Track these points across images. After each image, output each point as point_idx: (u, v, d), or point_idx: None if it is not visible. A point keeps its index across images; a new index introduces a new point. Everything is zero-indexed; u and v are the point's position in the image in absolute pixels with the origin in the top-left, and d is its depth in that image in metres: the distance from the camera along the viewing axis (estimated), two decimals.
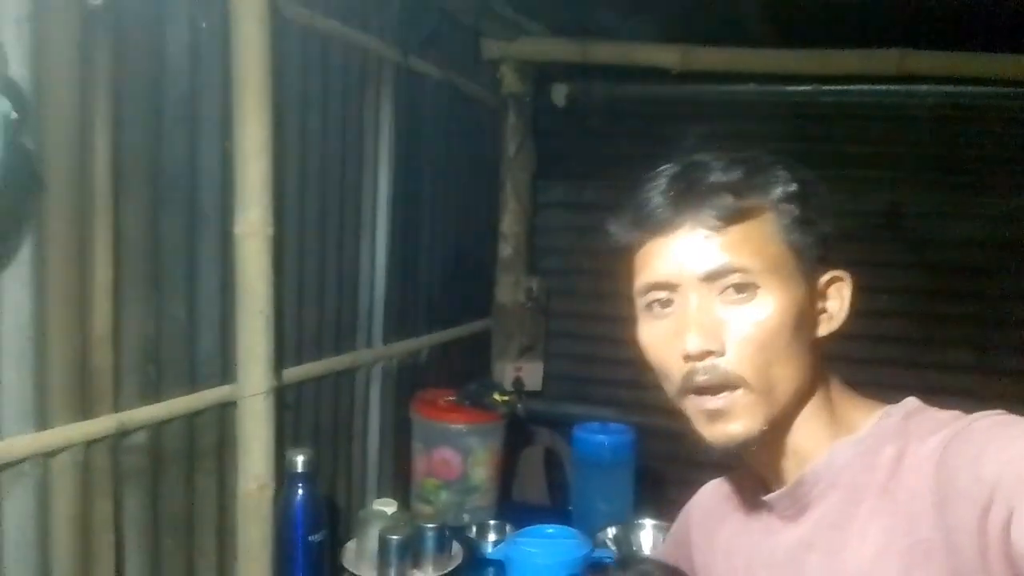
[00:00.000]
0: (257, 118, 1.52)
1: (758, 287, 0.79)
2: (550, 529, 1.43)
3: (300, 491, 1.61)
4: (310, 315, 1.85)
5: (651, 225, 0.83)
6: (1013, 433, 0.68)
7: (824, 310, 0.85)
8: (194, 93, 1.45)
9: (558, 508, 2.40)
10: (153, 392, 1.39)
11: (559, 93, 3.01)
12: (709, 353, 0.79)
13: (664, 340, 0.83)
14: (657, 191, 0.83)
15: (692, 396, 0.81)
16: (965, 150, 2.67)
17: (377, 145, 2.09)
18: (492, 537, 2.03)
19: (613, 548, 1.67)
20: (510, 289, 2.94)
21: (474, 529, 2.06)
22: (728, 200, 0.79)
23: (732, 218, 0.80)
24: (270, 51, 1.53)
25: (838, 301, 0.85)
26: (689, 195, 0.81)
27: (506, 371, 2.90)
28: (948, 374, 2.54)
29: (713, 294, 0.80)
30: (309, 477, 1.62)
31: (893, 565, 0.73)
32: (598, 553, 1.43)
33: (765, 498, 0.89)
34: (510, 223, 2.92)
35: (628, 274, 0.89)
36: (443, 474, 2.15)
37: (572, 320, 3.15)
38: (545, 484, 2.72)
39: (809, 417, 0.84)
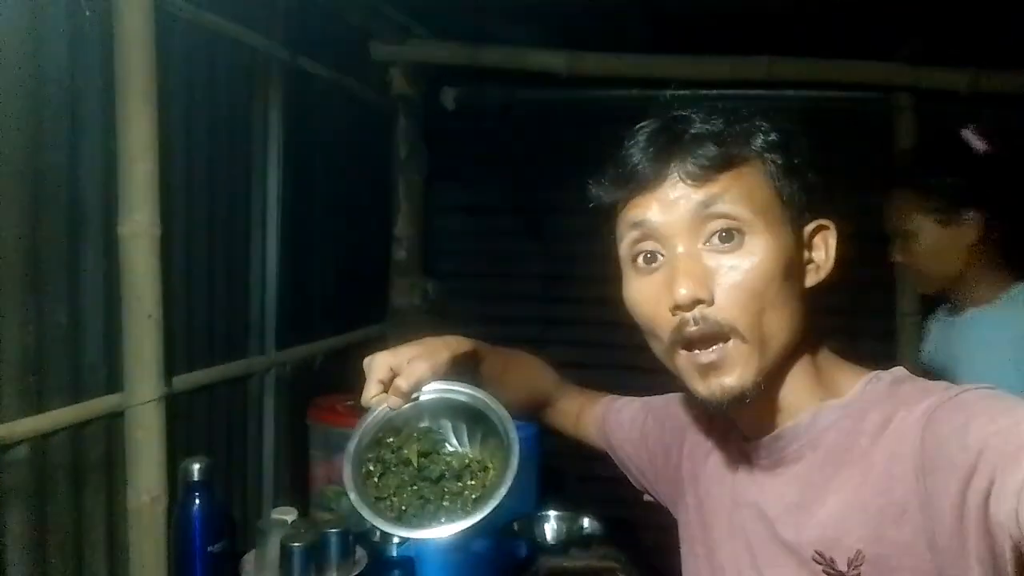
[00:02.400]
0: (142, 115, 1.46)
1: (745, 234, 0.78)
2: None
3: (197, 500, 1.55)
4: (200, 320, 1.79)
5: (634, 181, 0.81)
6: (1001, 406, 0.68)
7: (811, 260, 0.84)
8: (74, 89, 1.38)
9: None
10: (34, 403, 1.31)
11: (448, 96, 3.04)
12: (699, 302, 0.77)
13: (651, 294, 0.81)
14: (638, 147, 0.81)
15: (683, 351, 0.79)
16: (831, 152, 2.85)
17: (266, 145, 2.04)
18: (396, 540, 2.01)
19: (521, 539, 1.70)
20: (405, 292, 2.93)
21: (378, 533, 2.03)
22: (711, 149, 0.78)
23: (716, 166, 0.78)
24: (155, 46, 1.48)
25: (823, 250, 0.84)
26: (671, 147, 0.79)
27: None
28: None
29: (700, 243, 0.78)
30: (206, 485, 1.56)
31: (861, 521, 0.74)
32: (506, 542, 1.44)
33: (746, 445, 0.89)
34: (403, 226, 2.91)
35: (612, 233, 0.87)
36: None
37: (469, 323, 3.15)
38: None
39: (796, 373, 0.83)
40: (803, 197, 0.82)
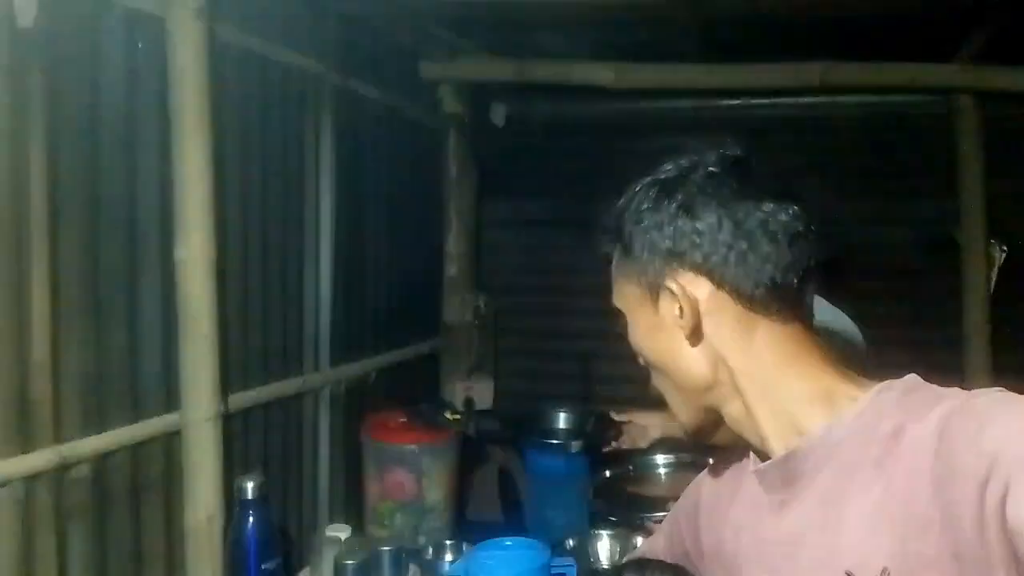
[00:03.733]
0: (197, 141, 1.50)
1: (626, 318, 0.93)
2: (508, 541, 1.43)
3: (251, 518, 1.58)
4: (255, 339, 1.82)
5: None
6: (1014, 411, 0.68)
7: (682, 314, 0.85)
8: (131, 117, 1.44)
9: (513, 524, 2.39)
10: (95, 423, 1.36)
11: (498, 113, 3.05)
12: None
13: None
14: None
15: None
16: (888, 156, 2.78)
17: (318, 167, 2.08)
18: (449, 557, 2.01)
19: (571, 558, 1.68)
20: (457, 308, 2.94)
21: (430, 550, 2.04)
22: (600, 250, 0.95)
23: (604, 266, 0.94)
24: (208, 74, 1.52)
25: (684, 303, 0.85)
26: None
27: (456, 390, 2.89)
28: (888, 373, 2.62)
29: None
30: (260, 503, 1.59)
31: (887, 537, 0.73)
32: (557, 561, 1.43)
33: (754, 469, 0.89)
34: (455, 242, 2.93)
35: None
36: (397, 496, 2.13)
37: (521, 337, 3.16)
38: (499, 501, 2.71)
39: (772, 398, 0.84)
40: (647, 264, 0.87)
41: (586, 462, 2.14)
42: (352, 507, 2.18)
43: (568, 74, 2.64)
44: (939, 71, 2.54)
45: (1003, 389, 0.72)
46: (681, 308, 0.84)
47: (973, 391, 0.74)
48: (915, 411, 0.75)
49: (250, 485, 1.59)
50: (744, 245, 0.82)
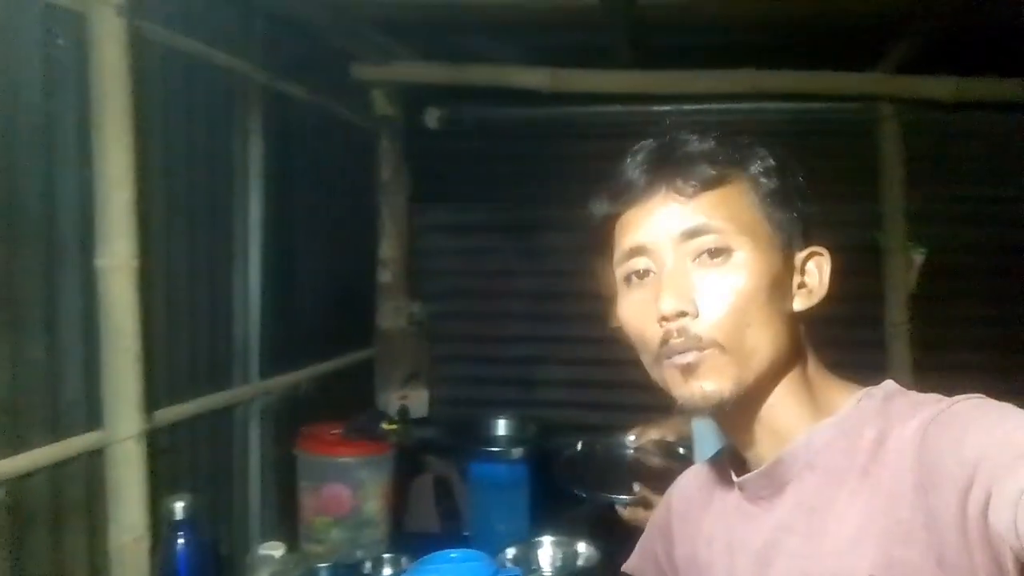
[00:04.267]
0: (119, 144, 1.43)
1: (733, 251, 0.79)
2: (453, 554, 1.40)
3: (181, 539, 1.50)
4: (181, 352, 1.74)
5: (627, 196, 0.83)
6: (994, 417, 0.68)
7: (803, 284, 0.84)
8: (50, 117, 1.35)
9: (452, 535, 2.36)
10: (11, 444, 1.27)
11: (432, 116, 3.01)
12: (683, 314, 0.78)
13: (641, 308, 0.82)
14: (633, 164, 0.83)
15: (666, 360, 0.80)
16: (815, 161, 2.85)
17: (247, 171, 2.01)
18: (388, 571, 1.97)
19: (515, 567, 1.66)
20: (391, 315, 2.89)
21: (369, 564, 1.99)
22: (703, 167, 0.80)
23: (707, 184, 0.80)
24: (130, 73, 1.44)
25: (816, 276, 0.85)
26: (664, 165, 0.82)
27: (391, 400, 2.84)
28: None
29: (688, 258, 0.80)
30: (190, 523, 1.52)
31: (872, 545, 0.73)
32: (503, 573, 1.41)
33: (738, 479, 0.88)
34: (388, 248, 2.88)
35: (608, 248, 0.88)
36: (333, 510, 2.07)
37: (458, 343, 3.12)
38: (437, 512, 2.67)
39: (786, 394, 0.83)
40: (795, 223, 0.83)
41: (527, 469, 2.13)
42: (286, 524, 2.10)
43: (503, 78, 2.63)
44: (862, 80, 2.62)
45: (982, 395, 0.73)
46: (804, 278, 0.84)
47: (953, 398, 0.74)
48: (897, 418, 0.76)
49: (179, 504, 1.51)
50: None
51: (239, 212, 1.99)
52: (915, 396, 0.79)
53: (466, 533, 2.19)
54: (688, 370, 0.79)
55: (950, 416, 0.71)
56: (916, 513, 0.70)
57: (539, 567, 1.81)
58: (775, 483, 0.84)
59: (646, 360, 0.85)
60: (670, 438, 1.93)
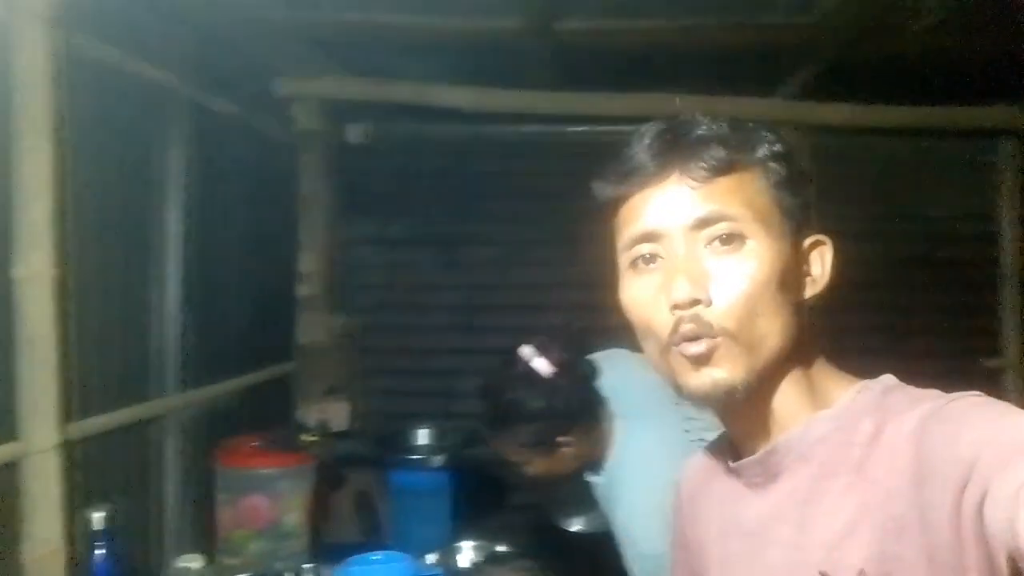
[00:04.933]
0: (39, 153, 1.42)
1: (746, 238, 0.77)
2: (376, 555, 1.43)
3: (98, 551, 1.49)
4: (99, 364, 1.72)
5: (637, 178, 0.80)
6: (991, 414, 0.68)
7: (808, 273, 0.83)
8: None
9: (376, 545, 2.37)
10: None
11: (355, 131, 3.04)
12: (696, 302, 0.76)
13: (649, 294, 0.80)
14: (642, 146, 0.80)
15: (675, 348, 0.78)
16: None
17: (166, 182, 2.00)
18: None
19: (436, 568, 1.70)
20: (312, 329, 2.89)
21: None
22: (716, 151, 0.78)
23: (720, 169, 0.78)
24: (53, 83, 1.44)
25: (820, 265, 0.84)
26: (676, 148, 0.79)
27: (311, 413, 2.83)
28: None
29: (700, 244, 0.78)
30: (108, 535, 1.50)
31: (864, 539, 0.73)
32: (425, 572, 1.45)
33: (734, 464, 0.87)
34: (309, 262, 2.88)
35: (611, 232, 0.85)
36: (252, 523, 2.06)
37: (383, 356, 3.15)
38: (358, 524, 2.67)
39: (788, 384, 0.82)
40: (802, 210, 0.82)
41: (448, 477, 2.17)
42: (205, 538, 2.08)
43: (425, 96, 2.69)
44: (764, 105, 2.78)
45: (981, 393, 0.72)
46: (809, 267, 0.83)
47: (951, 394, 0.73)
48: (894, 413, 0.75)
49: (97, 516, 1.50)
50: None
51: (158, 224, 1.98)
52: (913, 391, 0.78)
53: (388, 542, 2.21)
54: (699, 359, 0.77)
55: (948, 413, 0.70)
56: (911, 509, 0.69)
57: (456, 568, 1.85)
58: (769, 471, 0.83)
59: (650, 347, 0.82)
60: None
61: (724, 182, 0.78)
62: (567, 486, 2.10)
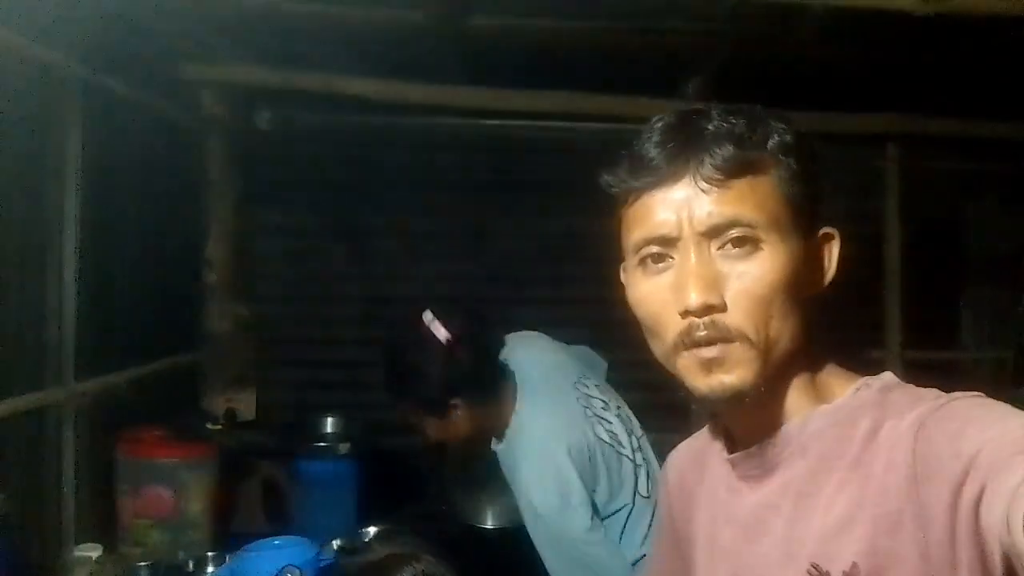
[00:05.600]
0: None
1: (760, 241, 0.76)
2: (277, 540, 1.45)
3: None
4: None
5: (649, 177, 0.78)
6: (991, 414, 0.68)
7: (819, 268, 0.82)
8: None
9: (281, 534, 2.37)
10: None
11: (263, 118, 3.00)
12: (711, 308, 0.75)
13: (660, 296, 0.79)
14: (654, 142, 0.78)
15: (686, 351, 0.77)
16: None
17: (63, 167, 1.95)
18: (211, 569, 1.97)
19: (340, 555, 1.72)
20: (218, 317, 2.86)
21: (191, 564, 1.98)
22: (730, 150, 0.76)
23: (733, 171, 0.76)
24: None
25: (827, 259, 0.83)
26: (689, 146, 0.77)
27: (217, 403, 2.81)
28: None
29: (713, 247, 0.77)
30: (1, 525, 1.47)
31: (858, 533, 0.73)
32: (325, 554, 1.47)
33: (730, 456, 0.87)
34: (215, 249, 2.84)
35: (619, 227, 0.84)
36: (154, 513, 2.04)
37: (289, 346, 3.13)
38: (265, 515, 2.66)
39: (793, 379, 0.82)
40: (813, 203, 0.81)
41: (355, 465, 2.20)
42: (105, 528, 2.05)
43: (333, 85, 2.68)
44: (662, 106, 2.86)
45: (981, 394, 0.73)
46: (819, 264, 0.82)
47: (952, 394, 0.74)
48: (893, 410, 0.75)
49: None
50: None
51: (53, 209, 1.93)
52: (913, 390, 0.78)
53: (295, 531, 2.21)
54: (711, 363, 0.76)
55: (948, 411, 0.71)
56: (906, 505, 0.69)
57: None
58: (765, 464, 0.83)
59: (658, 348, 0.81)
60: None
61: (737, 185, 0.76)
62: (473, 475, 2.16)
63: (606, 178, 0.83)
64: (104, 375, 2.14)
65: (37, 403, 1.85)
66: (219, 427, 2.19)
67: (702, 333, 0.76)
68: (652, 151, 0.78)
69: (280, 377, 3.10)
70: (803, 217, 0.79)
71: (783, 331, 0.77)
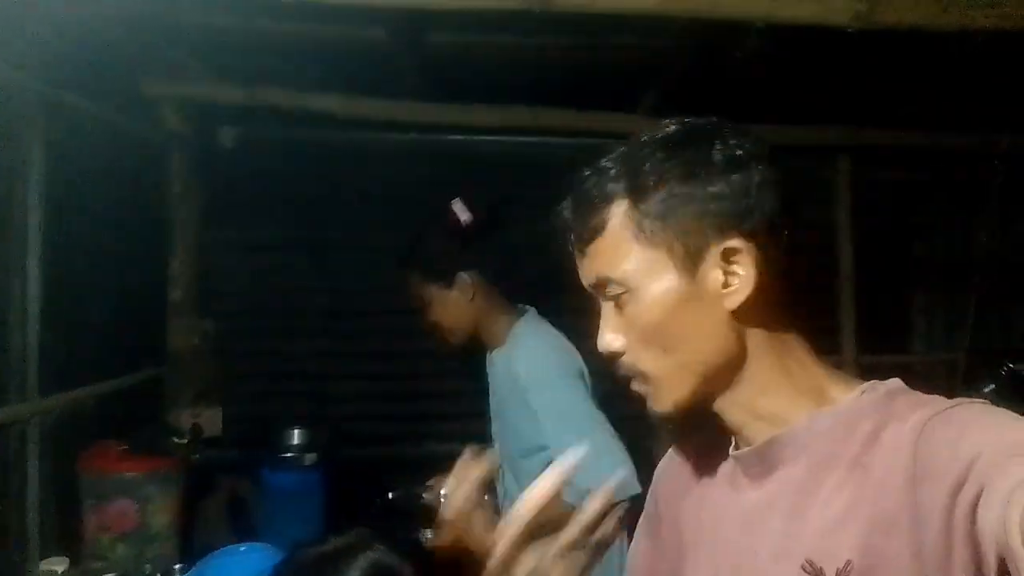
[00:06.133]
0: None
1: (627, 291, 0.81)
2: (242, 547, 1.48)
3: None
4: None
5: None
6: (993, 421, 0.70)
7: (727, 283, 0.80)
8: None
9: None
10: None
11: (227, 135, 3.03)
12: (614, 354, 0.84)
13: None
14: (564, 203, 0.87)
15: None
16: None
17: (25, 184, 1.96)
18: None
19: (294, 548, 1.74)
20: (182, 333, 2.86)
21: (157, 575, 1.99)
22: (583, 219, 0.83)
23: (586, 235, 0.83)
24: None
25: (737, 271, 0.80)
26: (571, 211, 0.85)
27: (182, 418, 2.80)
28: None
29: (607, 299, 0.84)
30: None
31: (852, 531, 0.74)
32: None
33: (733, 454, 0.88)
34: (179, 264, 2.86)
35: None
36: (118, 527, 2.05)
37: (253, 360, 3.14)
38: (230, 529, 2.67)
39: (768, 382, 0.83)
40: (686, 234, 0.80)
41: (320, 475, 2.22)
42: (69, 544, 2.04)
43: (295, 101, 2.71)
44: (622, 120, 2.95)
45: (985, 401, 0.75)
46: (727, 278, 0.80)
47: (955, 400, 0.75)
48: (896, 414, 0.77)
49: None
50: (779, 208, 0.81)
51: (16, 226, 1.94)
52: (918, 396, 0.80)
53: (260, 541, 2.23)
54: (641, 394, 0.85)
55: (950, 416, 0.72)
56: (903, 506, 0.71)
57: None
58: (767, 462, 0.85)
59: None
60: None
61: (592, 248, 0.83)
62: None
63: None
64: (68, 390, 2.14)
65: (1, 418, 1.85)
66: (184, 442, 2.19)
67: (621, 372, 0.85)
68: (560, 217, 0.87)
69: (245, 390, 3.10)
70: (682, 241, 0.79)
71: (688, 358, 0.81)
